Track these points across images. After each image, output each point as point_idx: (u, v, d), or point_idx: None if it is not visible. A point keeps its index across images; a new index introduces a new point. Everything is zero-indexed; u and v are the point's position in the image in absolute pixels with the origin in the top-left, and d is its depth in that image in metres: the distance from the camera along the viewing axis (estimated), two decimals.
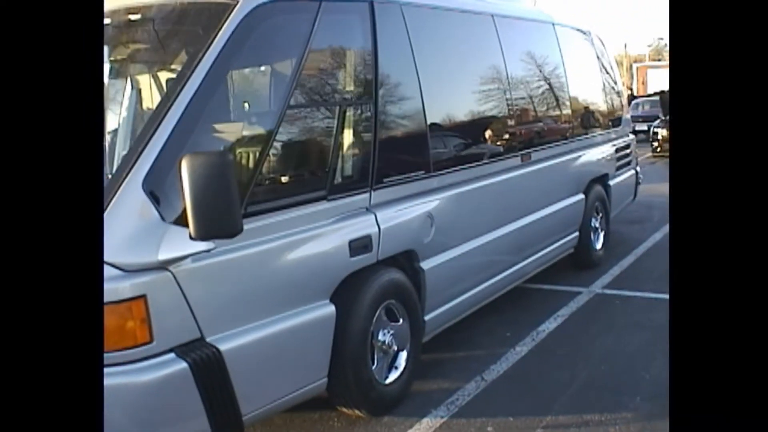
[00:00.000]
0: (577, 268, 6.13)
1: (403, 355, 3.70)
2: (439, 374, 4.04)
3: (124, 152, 2.88)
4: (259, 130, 3.15)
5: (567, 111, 5.86)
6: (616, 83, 7.33)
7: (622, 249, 6.81)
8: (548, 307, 5.15)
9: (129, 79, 3.59)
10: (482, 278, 4.50)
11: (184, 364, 2.59)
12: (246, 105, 3.34)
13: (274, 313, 2.97)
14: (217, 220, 2.50)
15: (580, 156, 5.97)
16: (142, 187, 2.58)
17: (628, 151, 7.29)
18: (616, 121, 7.09)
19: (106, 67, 3.44)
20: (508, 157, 4.80)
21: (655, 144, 15.85)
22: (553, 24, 5.89)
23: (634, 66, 40.73)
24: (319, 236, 3.18)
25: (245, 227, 2.70)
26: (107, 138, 3.42)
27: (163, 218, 2.58)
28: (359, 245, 3.36)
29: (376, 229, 3.47)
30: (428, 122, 3.94)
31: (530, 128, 5.25)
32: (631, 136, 7.62)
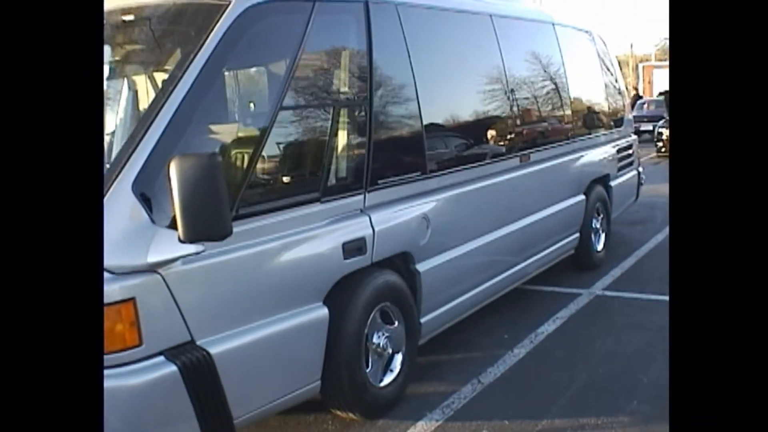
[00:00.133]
0: (577, 269, 6.10)
1: (399, 358, 3.68)
2: (435, 377, 4.02)
3: (115, 154, 2.87)
4: (252, 132, 3.13)
5: (567, 111, 5.83)
6: (617, 83, 7.29)
7: (623, 250, 6.77)
8: (547, 309, 5.12)
9: (123, 80, 3.57)
10: (480, 280, 4.47)
11: (173, 368, 2.58)
12: (238, 106, 3.32)
13: (266, 315, 2.95)
14: (206, 223, 2.49)
15: (580, 157, 5.93)
16: (132, 189, 2.56)
17: (630, 151, 7.24)
18: (618, 122, 7.05)
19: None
20: (507, 158, 4.77)
21: (660, 144, 15.77)
22: (552, 24, 5.85)
23: (640, 66, 40.58)
24: (312, 238, 3.16)
25: (237, 229, 2.69)
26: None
27: (153, 220, 2.57)
28: (353, 247, 3.33)
29: (371, 231, 3.44)
30: (424, 123, 3.92)
31: (529, 129, 5.22)
32: (634, 137, 7.58)
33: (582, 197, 5.93)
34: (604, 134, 6.58)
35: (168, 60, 3.10)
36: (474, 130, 4.56)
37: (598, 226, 6.33)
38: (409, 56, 3.87)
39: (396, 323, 3.66)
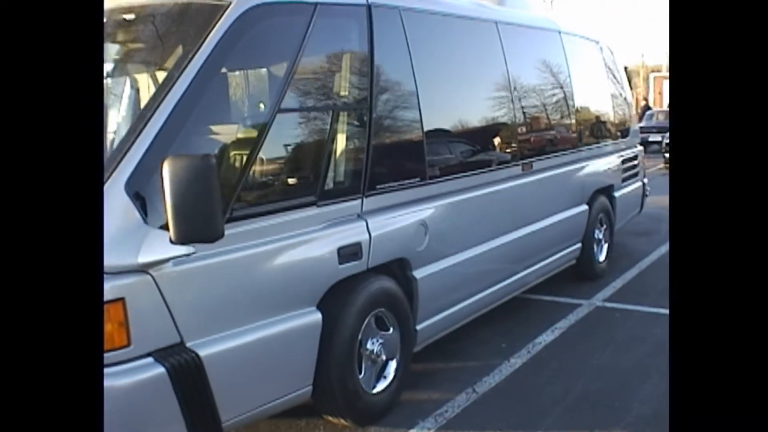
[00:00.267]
0: (578, 279, 6.05)
1: (393, 365, 3.65)
2: (429, 385, 3.99)
3: (109, 153, 2.85)
4: (249, 133, 3.11)
5: (571, 120, 5.79)
6: (624, 93, 7.25)
7: (626, 261, 6.72)
8: (546, 319, 5.08)
9: (123, 78, 3.56)
10: (478, 288, 4.43)
11: (161, 369, 2.56)
12: (236, 107, 3.31)
13: (257, 319, 2.93)
14: (198, 224, 2.47)
15: (584, 166, 5.89)
16: (125, 189, 2.55)
17: (635, 162, 7.20)
18: (624, 132, 7.00)
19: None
20: (508, 166, 4.74)
21: (668, 155, 15.68)
22: (559, 32, 5.82)
23: (651, 76, 40.42)
24: (307, 242, 3.14)
25: (230, 231, 2.68)
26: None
27: (145, 221, 2.55)
28: (349, 252, 3.31)
29: (367, 236, 3.42)
30: (425, 129, 3.89)
31: (532, 137, 5.19)
32: (639, 147, 7.52)
33: (585, 207, 5.89)
34: (608, 144, 6.54)
35: (167, 59, 3.09)
36: (476, 137, 4.53)
37: (600, 236, 6.28)
38: (412, 61, 3.85)
39: (391, 330, 3.64)
